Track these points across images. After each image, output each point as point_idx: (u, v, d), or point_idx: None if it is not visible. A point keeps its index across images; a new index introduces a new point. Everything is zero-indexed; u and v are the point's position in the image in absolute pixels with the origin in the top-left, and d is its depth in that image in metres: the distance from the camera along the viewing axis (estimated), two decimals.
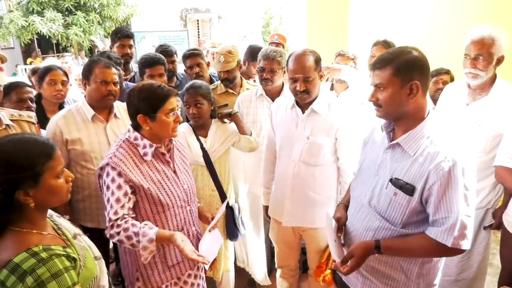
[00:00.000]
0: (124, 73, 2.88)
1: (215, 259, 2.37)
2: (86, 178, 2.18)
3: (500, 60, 2.13)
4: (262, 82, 2.58)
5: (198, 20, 15.56)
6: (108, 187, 1.65)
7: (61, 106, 2.78)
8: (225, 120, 2.43)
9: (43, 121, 2.33)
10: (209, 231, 1.91)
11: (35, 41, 13.97)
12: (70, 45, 11.86)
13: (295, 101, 2.14)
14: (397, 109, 1.44)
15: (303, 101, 2.07)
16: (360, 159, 1.75)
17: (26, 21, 9.93)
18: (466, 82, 2.28)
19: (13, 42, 13.54)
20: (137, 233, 1.61)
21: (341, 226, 1.70)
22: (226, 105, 2.48)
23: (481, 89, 2.22)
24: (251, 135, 2.41)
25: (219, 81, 2.93)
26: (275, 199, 2.35)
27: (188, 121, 2.46)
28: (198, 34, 15.24)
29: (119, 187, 1.64)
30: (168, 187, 1.77)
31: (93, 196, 2.19)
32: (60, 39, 10.64)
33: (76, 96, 3.29)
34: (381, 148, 1.56)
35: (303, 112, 2.11)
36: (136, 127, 1.75)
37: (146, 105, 1.68)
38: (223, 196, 2.36)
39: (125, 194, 1.65)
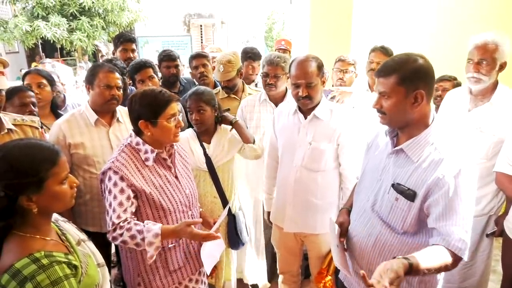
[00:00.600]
0: (128, 79, 2.89)
1: (217, 267, 2.37)
2: (89, 182, 2.19)
3: (502, 66, 2.13)
4: (266, 87, 2.59)
5: (201, 25, 15.63)
6: (110, 191, 1.65)
7: (53, 109, 2.76)
8: (226, 126, 2.43)
9: None
10: None
11: (40, 46, 14.06)
12: (74, 50, 11.93)
13: (297, 106, 2.14)
14: (401, 117, 1.43)
15: (306, 106, 2.08)
16: (363, 164, 1.75)
17: (31, 26, 10.00)
18: (468, 88, 2.28)
19: (17, 46, 13.65)
20: (141, 230, 1.61)
21: (344, 231, 1.70)
22: (228, 109, 2.49)
23: (482, 95, 2.22)
24: (254, 142, 2.40)
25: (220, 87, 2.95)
26: (277, 205, 2.35)
27: (190, 126, 2.47)
28: (201, 39, 15.29)
29: (121, 191, 1.65)
30: (170, 192, 1.77)
31: (95, 200, 2.19)
32: (64, 44, 10.71)
33: (79, 100, 3.32)
34: (385, 153, 1.56)
35: (305, 118, 2.11)
36: (138, 132, 1.76)
37: (147, 111, 1.69)
38: (225, 203, 2.36)
39: (128, 198, 1.66)
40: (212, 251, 1.90)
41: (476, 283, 2.38)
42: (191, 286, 1.95)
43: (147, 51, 9.42)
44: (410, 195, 1.40)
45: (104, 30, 11.11)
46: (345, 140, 2.10)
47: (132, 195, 1.67)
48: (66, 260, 1.17)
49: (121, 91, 2.25)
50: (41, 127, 2.18)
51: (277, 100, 2.64)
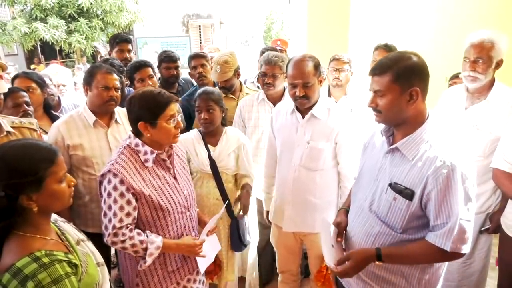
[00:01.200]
0: (126, 79, 2.90)
1: (219, 267, 2.38)
2: (88, 184, 2.20)
3: (499, 64, 2.14)
4: (264, 87, 2.59)
5: (200, 26, 15.64)
6: (109, 194, 1.65)
7: (47, 111, 2.75)
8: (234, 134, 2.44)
9: None
10: (206, 235, 1.92)
11: (39, 48, 14.07)
12: (73, 52, 11.93)
13: (295, 106, 2.15)
14: (396, 115, 1.44)
15: (303, 106, 2.08)
16: (360, 164, 1.75)
17: (29, 28, 10.00)
18: (465, 86, 2.29)
19: (16, 48, 13.66)
20: (143, 241, 1.66)
21: (341, 231, 1.70)
22: (226, 109, 2.50)
23: (479, 93, 2.22)
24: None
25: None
26: (275, 204, 2.35)
27: (188, 127, 2.46)
28: (200, 40, 15.31)
29: (121, 195, 1.65)
30: (169, 193, 1.78)
31: (95, 201, 2.20)
32: (63, 46, 10.71)
33: (77, 101, 3.31)
34: (381, 153, 1.56)
35: (303, 117, 2.12)
36: (137, 133, 1.75)
37: (147, 112, 1.68)
38: (228, 206, 2.36)
39: (128, 202, 1.66)
40: (207, 252, 1.91)
41: (475, 280, 2.38)
42: (189, 286, 1.95)
43: (146, 52, 9.42)
44: (408, 194, 1.41)
45: (103, 32, 11.11)
46: (343, 138, 2.10)
47: (132, 199, 1.67)
48: (66, 259, 1.18)
49: (119, 92, 2.25)
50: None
51: (275, 100, 2.65)
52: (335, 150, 2.13)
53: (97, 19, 10.88)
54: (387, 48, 3.03)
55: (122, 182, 1.64)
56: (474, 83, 2.16)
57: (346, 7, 4.15)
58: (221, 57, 2.78)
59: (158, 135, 1.71)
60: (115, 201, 1.64)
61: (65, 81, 4.06)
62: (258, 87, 3.35)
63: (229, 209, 2.36)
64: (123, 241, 1.64)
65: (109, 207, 1.65)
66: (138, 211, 1.72)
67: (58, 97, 3.14)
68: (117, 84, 2.22)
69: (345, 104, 2.89)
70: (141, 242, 1.66)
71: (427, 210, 1.40)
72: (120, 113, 2.33)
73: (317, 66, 2.03)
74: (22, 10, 10.82)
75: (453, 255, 1.39)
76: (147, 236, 1.69)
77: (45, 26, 10.08)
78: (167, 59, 3.26)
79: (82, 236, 1.42)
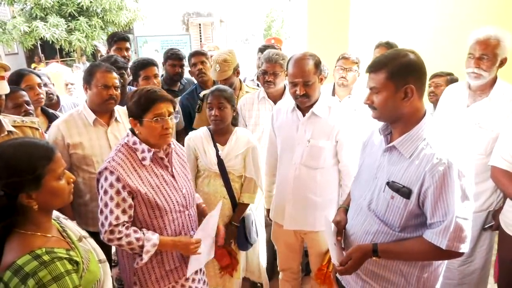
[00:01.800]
0: (121, 79, 2.89)
1: (236, 260, 2.40)
2: (88, 182, 2.19)
3: (503, 62, 2.12)
4: (265, 85, 2.59)
5: (200, 24, 15.61)
6: (106, 192, 1.66)
7: (44, 109, 2.74)
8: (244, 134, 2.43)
9: None
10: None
11: (39, 47, 14.06)
12: (73, 50, 11.92)
13: (295, 104, 2.14)
14: (392, 112, 1.44)
15: (303, 104, 2.08)
16: (359, 162, 1.75)
17: (29, 27, 10.00)
18: (467, 83, 2.27)
19: (16, 47, 13.65)
20: (140, 238, 1.66)
21: (340, 229, 1.70)
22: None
23: (481, 91, 2.21)
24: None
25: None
26: (276, 202, 2.35)
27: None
28: (200, 38, 15.28)
29: (118, 192, 1.65)
30: (167, 192, 1.77)
31: (95, 200, 2.16)
32: (63, 45, 10.71)
33: (76, 100, 3.32)
34: (379, 151, 1.56)
35: (304, 115, 2.11)
36: (135, 131, 1.76)
37: (135, 109, 1.69)
38: (234, 205, 2.36)
39: (124, 200, 1.66)
40: (199, 257, 1.88)
41: (476, 278, 2.38)
42: (187, 285, 1.93)
43: (146, 50, 9.42)
44: (405, 192, 1.41)
45: (103, 30, 11.10)
46: (344, 137, 2.10)
47: (128, 197, 1.67)
48: (67, 256, 1.19)
49: (119, 91, 2.25)
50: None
51: (275, 98, 2.64)
52: (335, 148, 2.13)
53: (97, 17, 10.87)
54: (388, 46, 3.01)
55: (118, 179, 1.64)
56: (478, 80, 2.15)
57: (346, 5, 4.14)
58: (220, 55, 2.77)
59: (145, 133, 1.71)
60: (111, 198, 1.65)
61: (74, 80, 4.06)
62: (258, 85, 3.35)
63: (234, 206, 2.36)
64: (119, 239, 1.64)
65: (106, 204, 1.66)
66: (135, 209, 1.71)
67: (57, 96, 3.14)
68: (117, 82, 2.22)
69: (348, 104, 2.86)
70: (138, 239, 1.66)
71: (424, 208, 1.40)
72: (120, 111, 2.33)
73: (317, 65, 2.02)
74: (22, 9, 10.81)
75: (450, 254, 1.38)
76: (143, 233, 1.69)
77: (45, 25, 10.07)
78: (174, 56, 3.28)
79: (84, 233, 1.43)
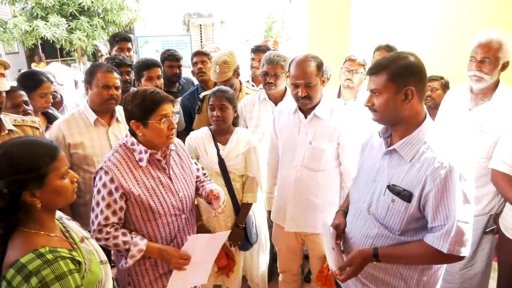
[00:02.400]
0: (127, 76, 2.89)
1: (233, 261, 2.38)
2: (89, 182, 2.19)
3: (505, 66, 2.12)
4: (266, 86, 2.59)
5: (200, 25, 15.62)
6: (99, 191, 1.66)
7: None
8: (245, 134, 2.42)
9: None
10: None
11: (39, 46, 14.05)
12: (74, 50, 11.93)
13: (297, 106, 2.14)
14: (392, 114, 1.44)
15: (305, 106, 2.07)
16: (358, 165, 1.75)
17: (30, 26, 10.00)
18: (469, 86, 2.27)
19: (17, 47, 13.64)
20: (127, 242, 1.66)
21: (340, 233, 1.69)
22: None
23: (483, 94, 2.21)
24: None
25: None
26: (277, 204, 2.35)
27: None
28: (201, 39, 15.29)
29: (110, 193, 1.65)
30: (162, 195, 1.75)
31: None
32: (64, 44, 10.71)
33: (78, 100, 3.31)
34: (379, 154, 1.55)
35: (306, 117, 2.11)
36: (133, 132, 1.73)
37: (138, 111, 1.66)
38: (235, 204, 2.35)
39: (115, 201, 1.65)
40: (185, 275, 1.76)
41: (477, 282, 2.37)
42: None
43: (146, 50, 9.40)
44: (406, 196, 1.40)
45: (104, 30, 11.11)
46: (346, 139, 2.09)
47: (120, 199, 1.65)
48: (70, 256, 1.19)
49: (120, 91, 2.25)
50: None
51: (276, 99, 2.64)
52: (337, 151, 2.12)
53: (98, 17, 10.88)
54: (389, 48, 3.01)
55: (112, 180, 1.64)
56: (479, 83, 2.15)
57: (347, 7, 4.14)
58: (220, 57, 2.77)
59: (150, 135, 1.69)
60: (103, 198, 1.65)
61: (62, 81, 4.06)
62: (252, 85, 3.35)
63: (236, 206, 2.36)
64: (106, 239, 1.64)
65: (97, 204, 1.66)
66: (128, 211, 1.70)
67: (61, 95, 3.14)
68: (118, 83, 2.22)
69: (353, 108, 2.84)
70: (125, 243, 1.65)
71: (425, 212, 1.39)
72: (121, 111, 2.32)
73: (319, 66, 2.02)
74: (23, 8, 10.82)
75: (451, 258, 1.38)
76: (132, 237, 1.68)
77: (46, 24, 10.08)
78: (171, 58, 3.29)
79: (86, 233, 1.43)
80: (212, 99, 2.29)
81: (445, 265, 1.57)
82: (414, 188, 1.38)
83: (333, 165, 2.14)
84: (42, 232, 1.20)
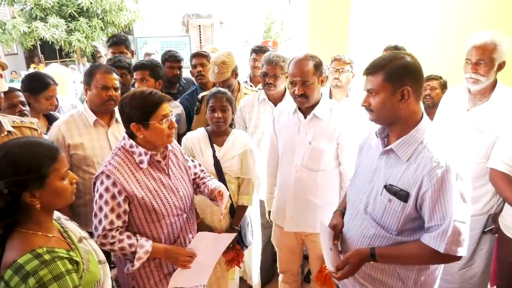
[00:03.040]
0: (124, 78, 2.89)
1: (241, 252, 2.39)
2: (88, 183, 2.18)
3: (501, 66, 2.12)
4: (265, 87, 2.59)
5: (200, 26, 15.63)
6: (101, 196, 1.64)
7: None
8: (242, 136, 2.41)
9: None
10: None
11: (38, 47, 14.06)
12: (73, 51, 11.93)
13: (297, 106, 2.14)
14: (388, 114, 1.44)
15: (302, 105, 2.08)
16: (355, 165, 1.75)
17: (29, 27, 10.01)
18: (467, 87, 2.27)
19: (16, 48, 13.65)
20: (133, 244, 1.65)
21: (337, 233, 1.69)
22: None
23: (481, 95, 2.21)
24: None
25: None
26: (277, 204, 2.35)
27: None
28: (200, 40, 15.30)
29: (113, 197, 1.63)
30: (164, 196, 1.74)
31: None
32: (63, 45, 10.72)
33: (75, 101, 3.31)
34: (376, 154, 1.56)
35: (305, 117, 2.11)
36: (131, 134, 1.72)
37: (138, 113, 1.65)
38: (231, 206, 2.33)
39: (119, 205, 1.64)
40: (188, 273, 1.79)
41: (476, 282, 2.36)
42: None
43: (145, 51, 9.40)
44: (403, 196, 1.40)
45: (103, 31, 11.12)
46: (345, 139, 2.10)
47: (123, 202, 1.64)
48: (67, 256, 1.19)
49: (119, 92, 2.25)
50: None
51: (276, 100, 2.64)
52: (337, 151, 2.13)
53: (97, 18, 10.89)
54: (396, 50, 3.01)
55: (114, 184, 1.62)
56: (476, 85, 2.15)
57: (346, 7, 4.14)
58: (219, 57, 2.77)
59: (151, 136, 1.68)
60: (106, 202, 1.63)
61: (59, 81, 4.06)
62: (251, 85, 3.35)
63: (231, 209, 2.34)
64: (112, 243, 1.63)
65: (100, 209, 1.64)
66: (131, 214, 1.69)
67: (56, 98, 3.13)
68: (117, 83, 2.22)
69: (346, 107, 2.86)
70: (130, 245, 1.64)
71: (422, 212, 1.39)
72: None
73: (317, 66, 2.02)
74: (22, 10, 10.83)
75: (448, 257, 1.38)
76: (137, 239, 1.67)
77: (45, 25, 10.09)
78: (172, 59, 3.29)
79: (84, 233, 1.43)
80: (213, 101, 2.29)
81: (442, 265, 1.57)
82: (411, 188, 1.38)
83: (332, 165, 2.15)
84: (40, 233, 1.20)
